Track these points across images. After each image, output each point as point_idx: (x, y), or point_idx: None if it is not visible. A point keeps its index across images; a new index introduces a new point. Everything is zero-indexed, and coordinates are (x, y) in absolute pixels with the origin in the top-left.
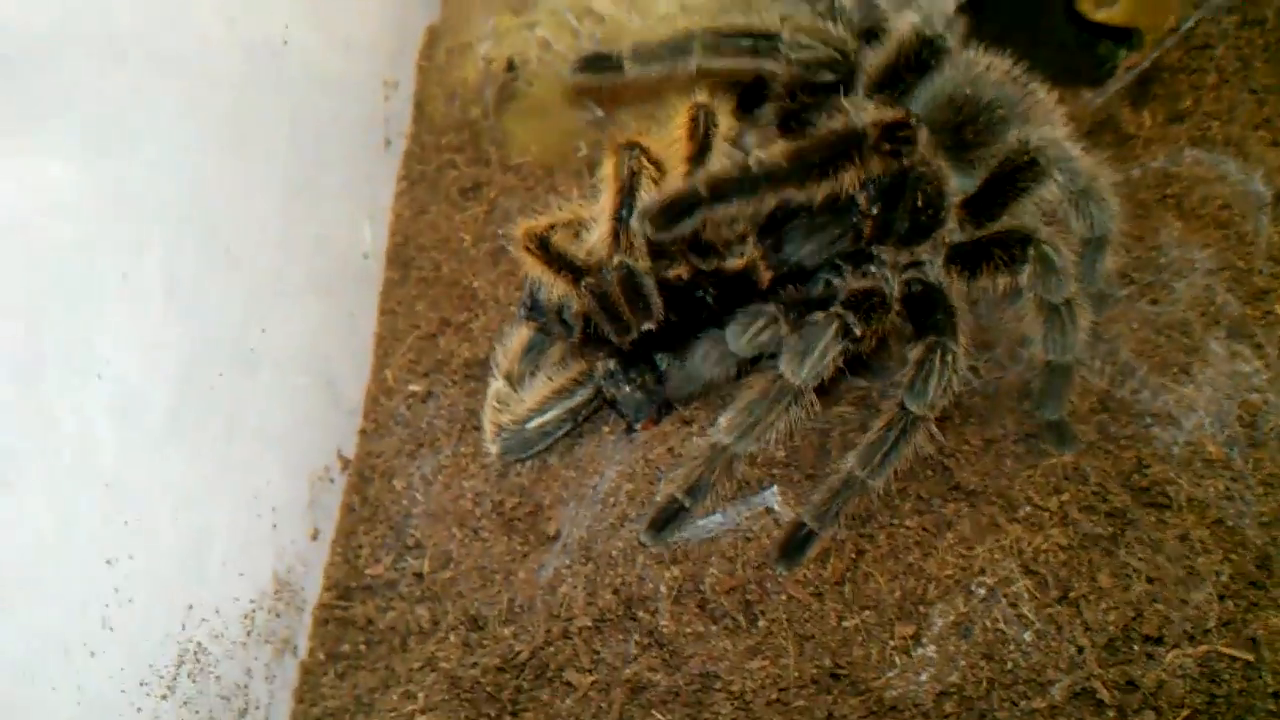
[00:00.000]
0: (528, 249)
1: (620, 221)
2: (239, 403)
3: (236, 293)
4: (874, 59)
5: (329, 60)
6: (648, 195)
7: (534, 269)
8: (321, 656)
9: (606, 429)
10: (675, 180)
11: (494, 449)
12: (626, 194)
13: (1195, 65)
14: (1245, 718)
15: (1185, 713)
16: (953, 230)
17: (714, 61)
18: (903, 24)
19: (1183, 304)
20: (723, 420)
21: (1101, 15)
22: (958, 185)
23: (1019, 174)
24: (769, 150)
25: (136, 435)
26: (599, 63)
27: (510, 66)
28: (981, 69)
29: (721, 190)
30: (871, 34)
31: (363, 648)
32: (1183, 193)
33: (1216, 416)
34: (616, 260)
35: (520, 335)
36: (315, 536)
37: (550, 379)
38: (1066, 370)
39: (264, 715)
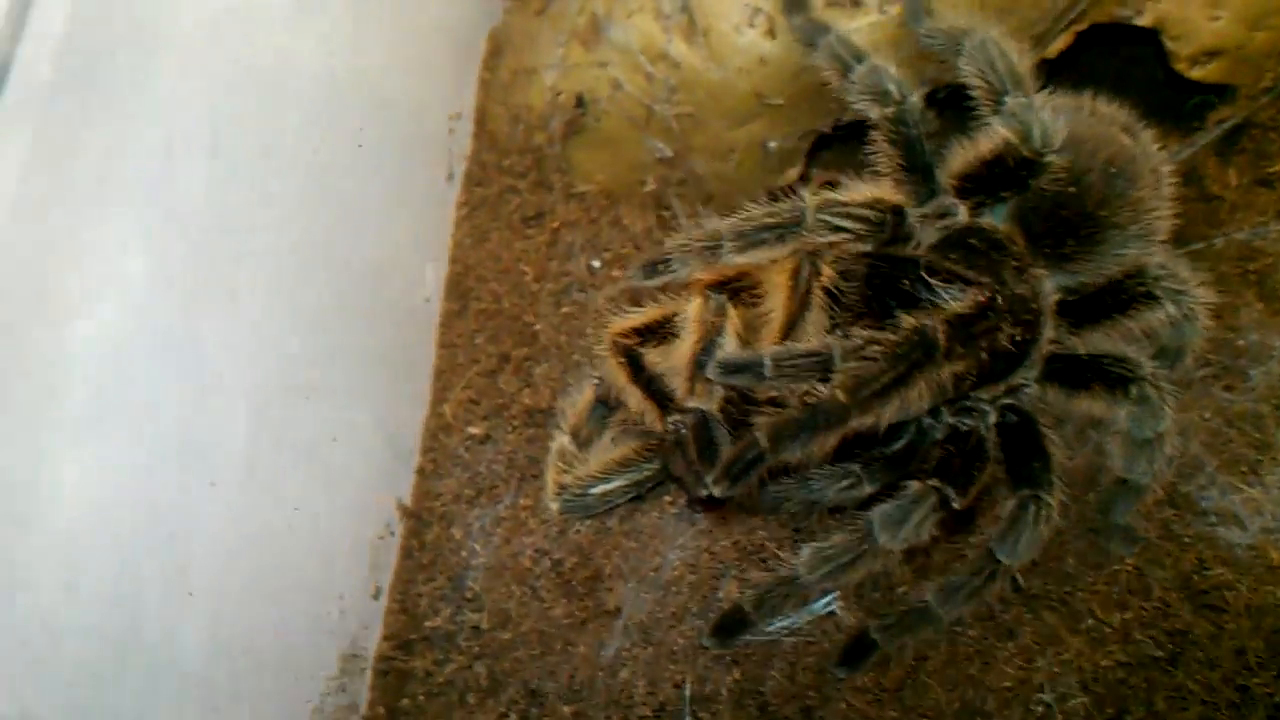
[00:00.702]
0: (618, 363)
1: (699, 368)
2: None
3: (296, 328)
4: (957, 159)
5: (393, 86)
6: (728, 347)
7: (620, 383)
8: (381, 710)
9: (668, 499)
10: (771, 330)
11: (554, 506)
12: (707, 343)
13: None
14: None
15: None
16: (1049, 341)
17: (748, 256)
18: (995, 134)
19: (1257, 393)
20: (805, 555)
21: (1197, 74)
22: (1054, 286)
23: (1133, 302)
24: (842, 351)
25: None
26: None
27: (579, 103)
28: (1087, 156)
29: (786, 374)
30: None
31: (422, 699)
32: (1266, 270)
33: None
34: (692, 404)
35: (588, 392)
36: (377, 595)
37: (616, 443)
38: (1141, 491)
39: None
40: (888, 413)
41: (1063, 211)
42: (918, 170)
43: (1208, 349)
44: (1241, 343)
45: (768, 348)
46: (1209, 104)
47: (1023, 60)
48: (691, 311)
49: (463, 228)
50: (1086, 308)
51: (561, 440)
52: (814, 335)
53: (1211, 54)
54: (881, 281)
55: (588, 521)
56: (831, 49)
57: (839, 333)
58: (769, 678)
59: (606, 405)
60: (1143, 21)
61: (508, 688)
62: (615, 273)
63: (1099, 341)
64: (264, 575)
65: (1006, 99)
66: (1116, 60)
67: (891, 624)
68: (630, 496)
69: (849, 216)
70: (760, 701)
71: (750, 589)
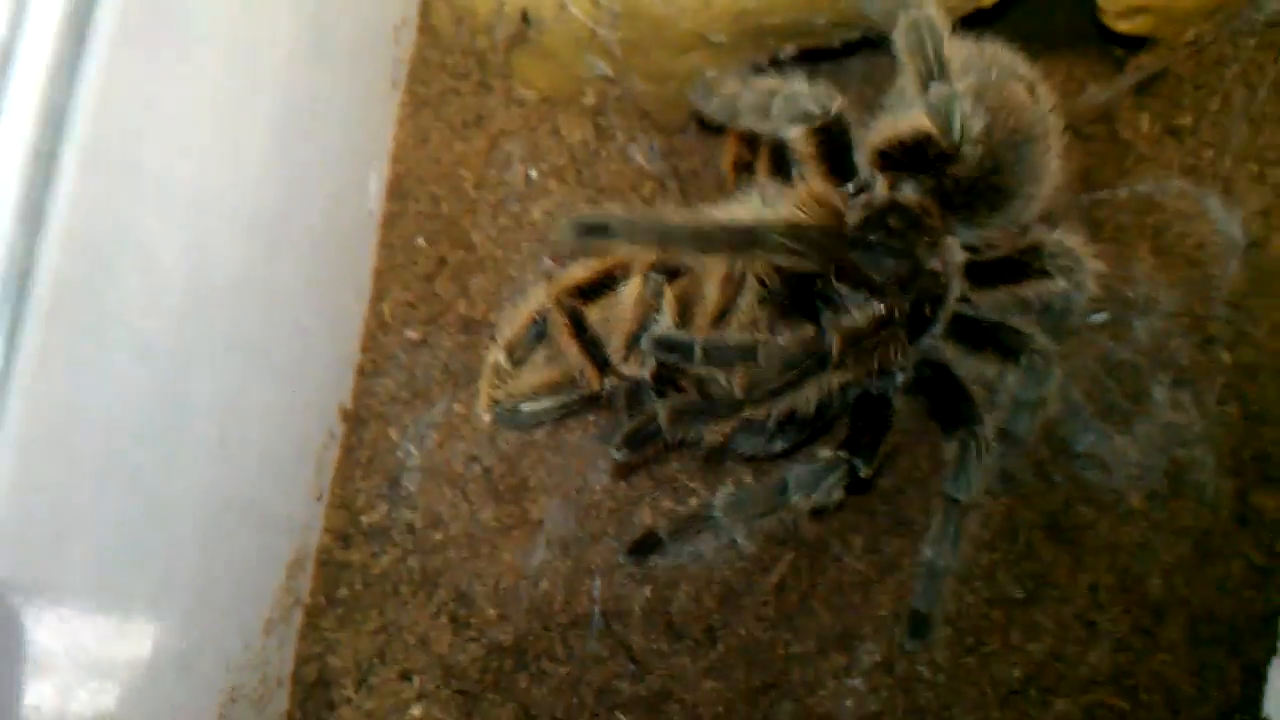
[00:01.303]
0: (563, 323)
1: (635, 341)
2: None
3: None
4: (878, 134)
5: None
6: (664, 323)
7: (564, 340)
8: (321, 599)
9: (591, 419)
10: (704, 309)
11: (486, 418)
12: (642, 321)
13: (1204, 80)
14: None
15: None
16: (955, 301)
17: (693, 259)
18: (917, 120)
19: (1138, 346)
20: (722, 497)
21: (1125, 27)
22: (962, 246)
23: (1028, 271)
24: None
25: None
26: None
27: (525, 19)
28: (999, 128)
29: (714, 361)
30: None
31: (359, 589)
32: (1162, 225)
33: (1146, 468)
34: (627, 371)
35: (526, 308)
36: (320, 497)
37: (548, 364)
38: (1021, 444)
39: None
40: (779, 407)
41: (976, 182)
42: (843, 165)
43: (1099, 297)
44: (1131, 294)
45: (701, 335)
46: (1132, 52)
47: (952, 42)
48: (630, 291)
49: (405, 127)
50: (987, 271)
51: (497, 356)
52: (744, 315)
53: (1140, 10)
54: (801, 282)
55: (514, 434)
56: (751, 102)
57: (763, 323)
58: (676, 598)
59: (543, 323)
60: None
61: (439, 587)
62: (551, 184)
63: (997, 299)
64: (212, 472)
65: (932, 84)
66: (1046, 9)
67: (924, 593)
68: (557, 416)
69: (803, 240)
70: (667, 619)
71: (666, 518)
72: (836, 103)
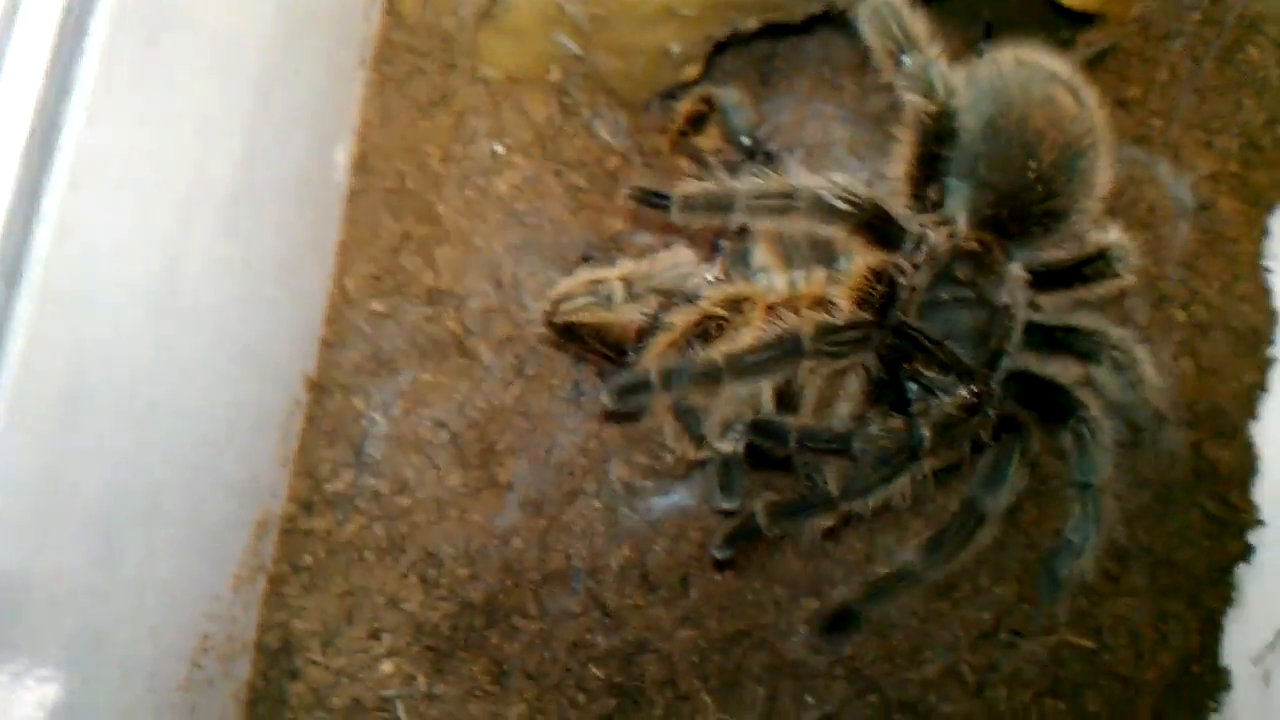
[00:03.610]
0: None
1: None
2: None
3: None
4: (893, 166)
5: None
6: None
7: (660, 410)
8: (286, 567)
9: (555, 381)
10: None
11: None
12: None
13: (1151, 54)
14: (1082, 692)
15: (1032, 690)
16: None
17: (744, 384)
18: (906, 115)
19: (1099, 304)
20: (912, 551)
21: (1075, 3)
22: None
23: (1079, 346)
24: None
25: None
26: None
27: None
28: (1045, 146)
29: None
30: None
31: (323, 556)
32: (1116, 191)
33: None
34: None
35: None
36: (285, 463)
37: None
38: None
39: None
40: (874, 501)
41: (1028, 205)
42: (890, 234)
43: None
44: None
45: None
46: (1082, 28)
47: (916, 17)
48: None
49: (371, 105)
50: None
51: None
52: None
53: None
54: (888, 368)
55: (481, 398)
56: (764, 205)
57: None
58: (653, 552)
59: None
60: None
61: (407, 550)
62: (517, 159)
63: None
64: (175, 440)
65: (903, 58)
66: None
67: (875, 592)
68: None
69: (841, 343)
70: (643, 573)
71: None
72: (863, 189)
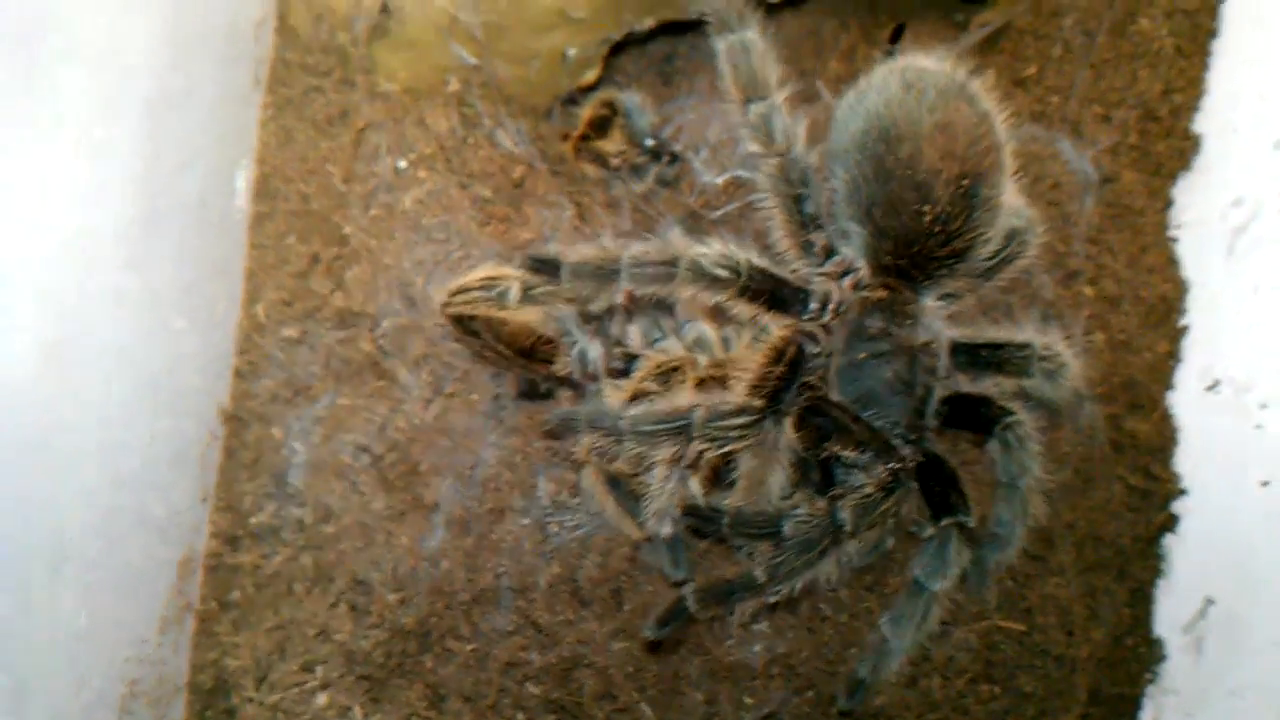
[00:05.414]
0: (456, 336)
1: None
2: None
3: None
4: (777, 232)
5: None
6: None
7: (599, 494)
8: (214, 605)
9: (475, 397)
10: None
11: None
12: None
13: (1044, 30)
14: (1016, 675)
15: (966, 677)
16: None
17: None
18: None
19: (1007, 283)
20: (885, 619)
21: None
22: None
23: (1009, 364)
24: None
25: None
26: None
27: (384, 9)
28: (938, 182)
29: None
30: None
31: (251, 591)
32: (1018, 170)
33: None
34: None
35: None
36: (204, 499)
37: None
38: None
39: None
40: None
41: (929, 251)
42: (784, 297)
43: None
44: None
45: (733, 503)
46: (975, 9)
47: (768, 60)
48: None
49: (268, 129)
50: (974, 359)
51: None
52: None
53: None
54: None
55: (403, 419)
56: (648, 274)
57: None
58: (583, 567)
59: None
60: None
61: (336, 579)
62: (421, 173)
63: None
64: (84, 481)
65: (750, 105)
66: None
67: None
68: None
69: (729, 429)
70: (574, 588)
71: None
72: (742, 256)
